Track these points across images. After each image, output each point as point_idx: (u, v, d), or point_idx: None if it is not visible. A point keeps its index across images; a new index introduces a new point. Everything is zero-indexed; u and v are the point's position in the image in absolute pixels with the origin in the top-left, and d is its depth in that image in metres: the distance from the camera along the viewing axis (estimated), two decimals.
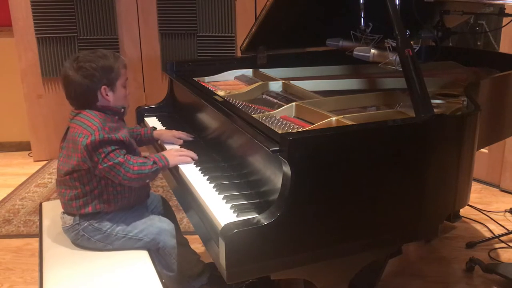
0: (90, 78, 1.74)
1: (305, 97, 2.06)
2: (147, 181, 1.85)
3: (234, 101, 2.04)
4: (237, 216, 1.44)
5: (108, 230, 1.82)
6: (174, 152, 1.87)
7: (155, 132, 2.14)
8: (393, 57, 1.94)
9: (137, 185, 1.83)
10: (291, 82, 2.26)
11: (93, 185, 1.78)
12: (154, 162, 1.79)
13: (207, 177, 1.72)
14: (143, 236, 1.85)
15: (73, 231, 1.84)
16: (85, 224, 1.82)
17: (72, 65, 1.75)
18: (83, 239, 1.84)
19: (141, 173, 1.74)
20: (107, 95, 1.79)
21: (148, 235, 1.86)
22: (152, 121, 2.39)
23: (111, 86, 1.80)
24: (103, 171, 1.72)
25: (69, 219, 1.84)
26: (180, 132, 2.12)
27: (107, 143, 1.70)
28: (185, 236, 2.19)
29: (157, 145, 2.17)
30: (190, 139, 2.10)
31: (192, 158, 1.86)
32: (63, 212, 1.88)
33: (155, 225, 1.89)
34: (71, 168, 1.77)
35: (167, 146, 2.07)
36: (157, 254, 1.91)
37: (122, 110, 1.88)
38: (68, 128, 1.83)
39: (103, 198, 1.80)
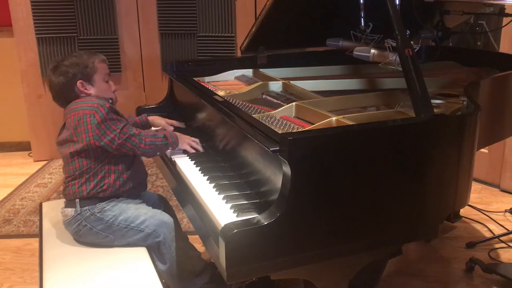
0: (65, 74, 1.86)
1: (305, 97, 2.06)
2: (158, 153, 1.95)
3: (234, 101, 2.04)
4: (237, 216, 1.44)
5: (110, 220, 1.85)
6: (186, 138, 1.98)
7: (149, 118, 2.22)
8: (393, 57, 1.94)
9: (150, 156, 1.95)
10: (291, 82, 2.26)
11: (97, 163, 1.84)
12: (165, 137, 1.90)
13: (207, 177, 1.72)
14: (144, 227, 1.88)
15: (75, 223, 1.86)
16: (87, 214, 1.84)
17: (50, 68, 1.89)
18: (85, 230, 1.85)
19: (152, 144, 1.87)
20: (86, 89, 1.89)
21: (149, 226, 1.88)
22: None
23: (88, 80, 1.89)
24: (121, 145, 1.81)
25: (70, 211, 1.87)
26: (171, 120, 2.22)
27: (117, 119, 1.81)
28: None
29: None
30: (182, 126, 2.20)
31: (197, 150, 1.97)
32: (64, 207, 1.91)
33: (156, 216, 1.92)
34: (79, 149, 1.81)
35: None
36: (156, 250, 1.93)
37: (110, 101, 1.95)
38: (64, 124, 1.89)
39: (104, 176, 1.85)
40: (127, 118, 1.97)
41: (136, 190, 1.99)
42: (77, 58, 1.89)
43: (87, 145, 1.79)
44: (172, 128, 2.18)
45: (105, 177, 1.85)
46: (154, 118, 2.24)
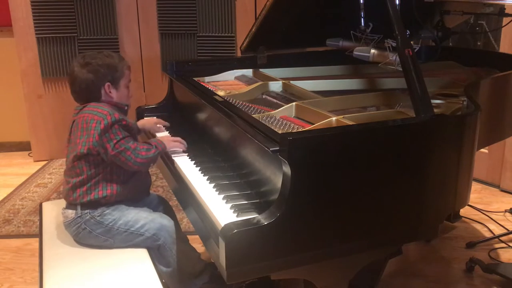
0: (95, 73, 1.84)
1: (305, 97, 2.06)
2: (152, 164, 1.92)
3: (234, 101, 2.04)
4: (237, 216, 1.44)
5: (110, 224, 1.84)
6: (168, 138, 2.00)
7: (138, 123, 2.22)
8: (393, 57, 1.94)
9: (144, 170, 1.91)
10: (291, 82, 2.26)
11: (98, 171, 1.83)
12: (155, 147, 1.88)
13: (207, 177, 1.72)
14: (144, 231, 1.87)
15: (75, 225, 1.85)
16: (87, 217, 1.84)
17: (79, 62, 1.86)
18: (85, 233, 1.85)
19: (147, 158, 1.84)
20: (110, 92, 1.88)
21: (149, 230, 1.88)
22: None
23: (114, 84, 1.89)
24: (114, 157, 1.79)
25: (71, 213, 1.86)
26: (159, 120, 2.27)
27: (118, 129, 1.79)
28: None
29: (149, 134, 2.29)
30: (167, 124, 2.26)
31: (183, 145, 1.99)
32: (64, 208, 1.90)
33: (156, 220, 1.91)
34: (79, 153, 1.80)
35: (157, 134, 2.23)
36: (156, 252, 1.92)
37: (126, 107, 1.96)
38: (73, 122, 1.89)
39: (107, 186, 1.84)
40: (134, 129, 1.96)
41: (138, 197, 1.98)
42: (109, 59, 1.87)
43: (87, 150, 1.79)
44: (163, 129, 2.19)
45: (107, 187, 1.84)
46: (143, 123, 2.25)
